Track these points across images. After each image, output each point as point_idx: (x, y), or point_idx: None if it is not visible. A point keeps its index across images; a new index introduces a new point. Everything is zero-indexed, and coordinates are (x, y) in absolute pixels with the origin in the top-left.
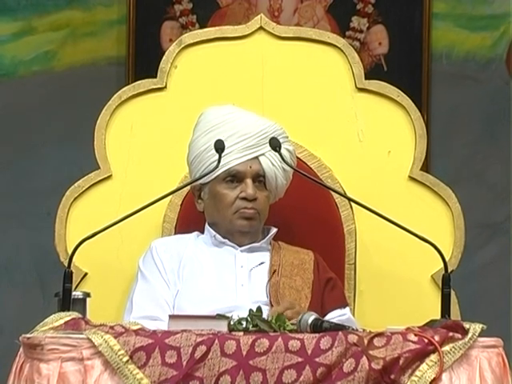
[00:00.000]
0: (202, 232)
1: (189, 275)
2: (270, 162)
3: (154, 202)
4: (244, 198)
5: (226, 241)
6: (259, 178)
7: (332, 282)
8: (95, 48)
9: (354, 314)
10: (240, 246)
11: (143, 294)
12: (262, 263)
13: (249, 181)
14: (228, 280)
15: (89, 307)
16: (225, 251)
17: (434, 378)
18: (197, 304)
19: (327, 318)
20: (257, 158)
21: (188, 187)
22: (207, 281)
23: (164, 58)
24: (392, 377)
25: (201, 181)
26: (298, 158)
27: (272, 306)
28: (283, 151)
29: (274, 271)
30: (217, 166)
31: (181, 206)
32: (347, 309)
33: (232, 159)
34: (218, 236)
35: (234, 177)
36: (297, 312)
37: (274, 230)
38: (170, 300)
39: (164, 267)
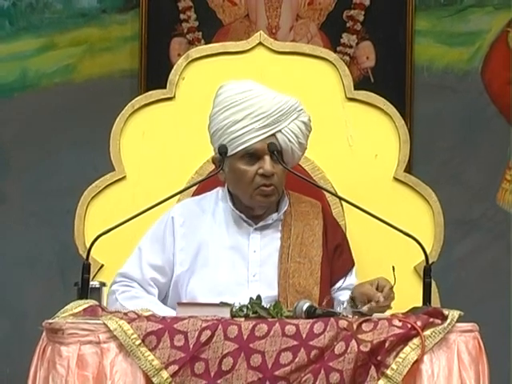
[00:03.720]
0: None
1: (203, 263)
2: (287, 138)
3: (164, 200)
4: (262, 175)
5: (243, 216)
6: (275, 157)
7: (339, 248)
8: (111, 62)
9: None
10: (255, 223)
11: (136, 254)
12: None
13: (267, 157)
14: (240, 271)
15: (105, 295)
16: (240, 232)
17: (417, 360)
18: (210, 297)
19: (337, 287)
20: (273, 135)
21: (193, 188)
22: (221, 273)
23: (173, 70)
24: (379, 358)
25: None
26: None
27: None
28: (298, 124)
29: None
30: (221, 168)
31: None
32: (353, 274)
33: (250, 137)
34: (235, 211)
35: (252, 154)
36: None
37: (285, 207)
38: (158, 269)
39: (174, 243)
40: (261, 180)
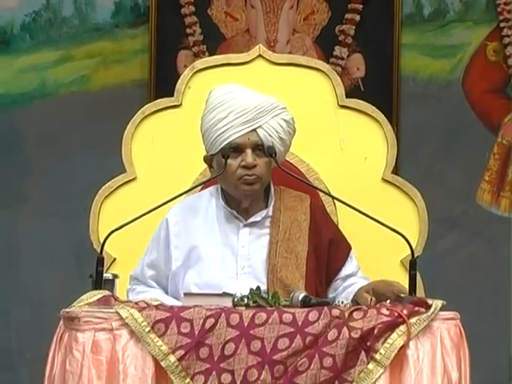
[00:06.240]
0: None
1: (196, 258)
2: (267, 133)
3: (171, 199)
4: (244, 166)
5: (234, 212)
6: (258, 147)
7: (334, 242)
8: (123, 73)
9: None
10: (245, 219)
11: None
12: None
13: (248, 151)
14: (230, 265)
15: (117, 286)
16: (230, 228)
17: (403, 345)
18: (203, 290)
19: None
20: (254, 130)
21: (199, 188)
22: (212, 267)
23: (179, 80)
24: (368, 344)
25: (211, 152)
26: (290, 162)
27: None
28: (279, 121)
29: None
30: (224, 168)
31: None
32: (353, 258)
33: (232, 133)
34: (226, 207)
35: (235, 148)
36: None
37: (272, 203)
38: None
39: (169, 242)
40: (243, 171)
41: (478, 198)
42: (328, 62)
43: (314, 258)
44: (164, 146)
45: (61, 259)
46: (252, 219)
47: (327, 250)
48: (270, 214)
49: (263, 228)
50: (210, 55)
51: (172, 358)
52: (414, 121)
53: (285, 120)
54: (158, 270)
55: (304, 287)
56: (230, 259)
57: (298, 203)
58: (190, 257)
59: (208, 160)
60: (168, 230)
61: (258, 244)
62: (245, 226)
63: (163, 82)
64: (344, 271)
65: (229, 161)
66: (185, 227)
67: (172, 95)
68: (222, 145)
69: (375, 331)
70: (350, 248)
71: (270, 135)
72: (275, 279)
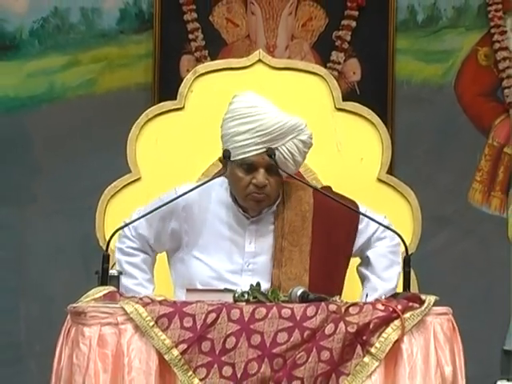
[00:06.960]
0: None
1: (203, 250)
2: (282, 156)
3: (174, 199)
4: (255, 185)
5: (240, 210)
6: (272, 167)
7: (346, 218)
8: (127, 77)
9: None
10: (251, 216)
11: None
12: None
13: (261, 170)
14: (236, 261)
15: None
16: (237, 224)
17: (397, 339)
18: (207, 283)
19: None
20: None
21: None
22: (218, 262)
23: (182, 84)
24: (364, 338)
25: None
26: None
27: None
28: (296, 142)
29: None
30: (224, 172)
31: None
32: (365, 220)
33: (248, 150)
34: (234, 205)
35: (249, 165)
36: None
37: (277, 200)
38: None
39: (179, 226)
40: (253, 189)
41: (469, 197)
42: (325, 67)
43: (319, 248)
44: (167, 147)
45: (68, 256)
46: (258, 216)
47: (347, 226)
48: (275, 208)
49: (269, 224)
50: (212, 60)
51: (175, 352)
52: (408, 123)
53: (301, 141)
54: (150, 245)
55: (308, 281)
56: (237, 255)
57: (300, 192)
58: (197, 247)
59: (223, 160)
60: (177, 214)
61: (263, 240)
62: (252, 222)
63: (166, 86)
64: (360, 240)
65: (241, 175)
66: (193, 214)
67: (175, 98)
68: (237, 158)
69: (371, 326)
70: (357, 220)
71: (284, 158)
72: (281, 273)
